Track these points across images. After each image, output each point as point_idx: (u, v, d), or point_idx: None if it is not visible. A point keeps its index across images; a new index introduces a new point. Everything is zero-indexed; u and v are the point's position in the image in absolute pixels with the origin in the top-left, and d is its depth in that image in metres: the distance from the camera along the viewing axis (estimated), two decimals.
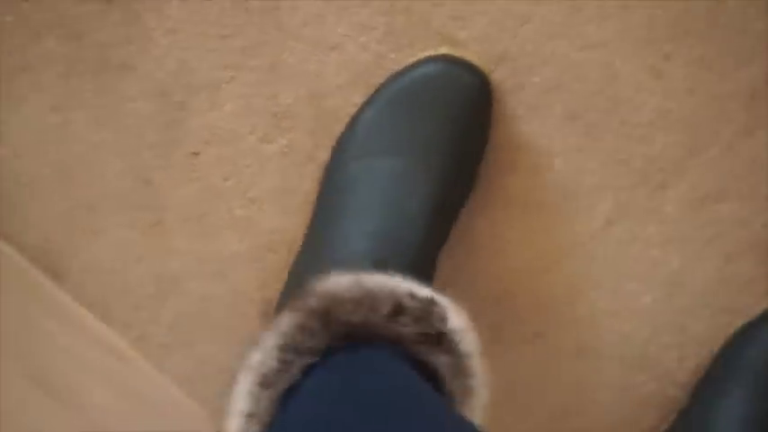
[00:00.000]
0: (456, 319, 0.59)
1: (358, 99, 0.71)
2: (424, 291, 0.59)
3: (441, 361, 0.59)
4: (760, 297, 0.75)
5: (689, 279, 0.74)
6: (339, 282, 0.60)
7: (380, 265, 0.62)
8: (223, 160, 0.76)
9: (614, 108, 0.70)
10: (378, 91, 0.70)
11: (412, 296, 0.59)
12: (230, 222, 0.78)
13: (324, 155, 0.73)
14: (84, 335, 0.83)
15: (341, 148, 0.70)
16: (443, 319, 0.59)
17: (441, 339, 0.59)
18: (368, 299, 0.59)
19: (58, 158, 0.76)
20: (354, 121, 0.70)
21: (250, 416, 0.59)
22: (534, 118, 0.71)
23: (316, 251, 0.69)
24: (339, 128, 0.72)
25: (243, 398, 0.59)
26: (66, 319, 0.83)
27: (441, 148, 0.68)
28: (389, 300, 0.59)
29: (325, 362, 0.58)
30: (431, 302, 0.59)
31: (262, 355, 0.59)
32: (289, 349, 0.59)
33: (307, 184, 0.74)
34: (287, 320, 0.60)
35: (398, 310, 0.59)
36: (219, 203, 0.77)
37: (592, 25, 0.68)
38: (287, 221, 0.75)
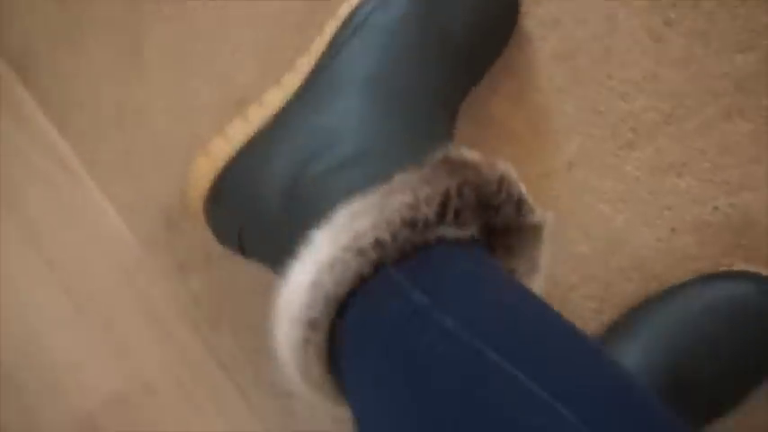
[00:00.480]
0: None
1: None
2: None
3: (511, 243, 0.59)
4: (693, 274, 0.78)
5: (629, 240, 0.78)
6: (475, 157, 0.58)
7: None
8: (214, 7, 0.77)
9: (605, 59, 0.72)
10: None
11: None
12: (207, 68, 0.80)
13: (316, 29, 0.74)
14: (37, 140, 0.85)
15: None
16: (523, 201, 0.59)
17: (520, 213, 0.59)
18: (505, 184, 0.57)
19: None
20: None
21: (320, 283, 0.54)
22: (526, 47, 0.73)
23: (310, 119, 0.68)
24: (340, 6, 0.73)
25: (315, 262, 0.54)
26: (23, 121, 0.85)
27: (467, 48, 0.70)
28: (516, 189, 0.58)
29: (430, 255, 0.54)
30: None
31: (372, 216, 0.54)
32: (419, 219, 0.54)
33: (291, 52, 0.75)
34: (418, 181, 0.55)
35: (521, 201, 0.58)
36: (201, 47, 0.79)
37: None
38: (262, 82, 0.77)
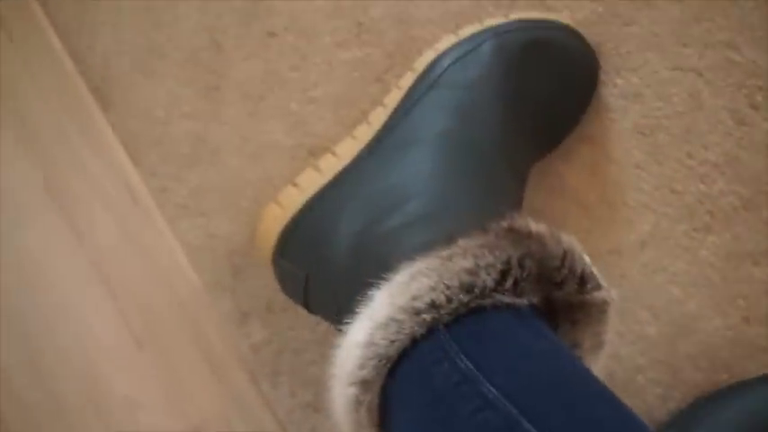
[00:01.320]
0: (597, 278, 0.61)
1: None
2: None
3: (576, 317, 0.61)
4: (762, 367, 0.78)
5: (700, 327, 0.78)
6: (540, 229, 0.60)
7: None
8: (296, 50, 0.81)
9: (686, 137, 0.73)
10: (491, 35, 0.73)
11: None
12: (284, 113, 0.83)
13: (393, 81, 0.77)
14: (110, 167, 0.89)
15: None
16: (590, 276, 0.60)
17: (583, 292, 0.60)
18: (569, 259, 0.59)
19: None
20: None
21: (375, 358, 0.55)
22: (605, 119, 0.74)
23: (381, 183, 0.71)
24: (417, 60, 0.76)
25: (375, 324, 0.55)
26: (99, 146, 0.89)
27: (543, 114, 0.73)
28: (580, 264, 0.59)
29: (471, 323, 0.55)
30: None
31: (431, 279, 0.56)
32: (477, 285, 0.55)
33: (366, 102, 0.78)
34: (480, 247, 0.57)
35: (585, 277, 0.60)
36: (279, 91, 0.82)
37: (692, 49, 0.71)
38: (336, 131, 0.80)
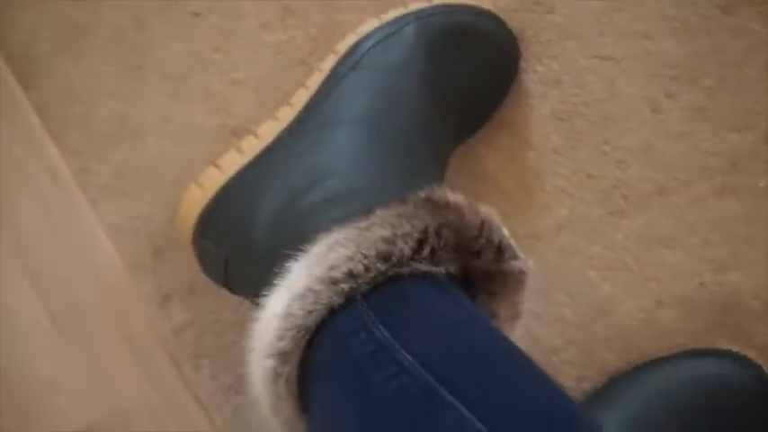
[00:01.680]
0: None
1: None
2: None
3: (494, 288, 0.63)
4: (674, 348, 0.82)
5: (614, 309, 0.81)
6: (458, 199, 0.61)
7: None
8: (220, 31, 0.82)
9: (603, 124, 0.76)
10: (413, 19, 0.75)
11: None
12: (207, 94, 0.84)
13: (315, 64, 0.78)
14: (30, 147, 0.89)
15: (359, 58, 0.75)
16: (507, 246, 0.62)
17: (501, 260, 0.62)
18: (486, 229, 0.61)
19: None
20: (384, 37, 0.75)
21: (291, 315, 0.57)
22: (525, 105, 0.77)
23: (303, 157, 0.72)
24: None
25: (291, 293, 0.57)
26: (19, 126, 0.89)
27: (464, 99, 0.75)
28: (498, 234, 0.61)
29: (390, 291, 0.57)
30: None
31: (349, 248, 0.57)
32: (394, 254, 0.57)
33: (290, 85, 0.80)
34: (398, 217, 0.58)
35: (502, 247, 0.62)
36: (202, 72, 0.83)
37: (610, 38, 0.74)
38: (258, 113, 0.82)
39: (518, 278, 0.64)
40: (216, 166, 0.74)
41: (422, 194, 0.61)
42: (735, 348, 0.78)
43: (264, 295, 0.60)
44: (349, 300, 0.57)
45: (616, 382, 0.81)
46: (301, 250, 0.59)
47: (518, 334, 0.65)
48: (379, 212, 0.60)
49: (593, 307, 0.81)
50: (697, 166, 0.76)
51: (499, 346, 0.56)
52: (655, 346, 0.81)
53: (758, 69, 0.74)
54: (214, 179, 0.74)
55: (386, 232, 0.58)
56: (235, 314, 0.85)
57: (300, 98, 0.74)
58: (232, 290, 0.75)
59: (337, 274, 0.57)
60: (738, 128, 0.75)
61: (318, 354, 0.58)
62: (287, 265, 0.59)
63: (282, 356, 0.58)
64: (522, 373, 0.54)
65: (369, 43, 0.73)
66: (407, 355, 0.52)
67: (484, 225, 0.61)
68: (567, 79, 0.76)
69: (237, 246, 0.71)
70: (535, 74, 0.76)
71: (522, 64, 0.76)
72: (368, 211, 0.60)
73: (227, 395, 0.85)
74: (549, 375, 0.55)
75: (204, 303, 0.86)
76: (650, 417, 0.77)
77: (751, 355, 0.77)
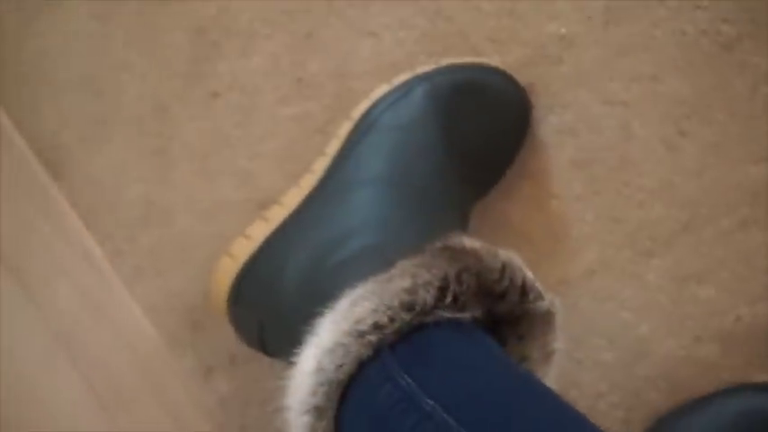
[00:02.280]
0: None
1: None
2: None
3: (522, 330, 0.64)
4: (718, 383, 0.83)
5: (654, 349, 0.83)
6: (475, 245, 0.63)
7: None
8: (239, 109, 0.87)
9: (621, 167, 0.79)
10: (422, 80, 0.78)
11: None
12: (231, 170, 0.88)
13: (333, 132, 0.82)
14: (64, 235, 0.94)
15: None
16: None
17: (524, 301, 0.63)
18: (508, 271, 0.62)
19: (86, 66, 0.87)
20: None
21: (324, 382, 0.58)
22: (543, 155, 0.80)
23: (325, 223, 0.75)
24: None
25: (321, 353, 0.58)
26: (52, 215, 0.94)
27: (479, 153, 0.78)
28: (520, 275, 0.63)
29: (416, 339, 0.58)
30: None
31: (372, 302, 0.58)
32: (417, 303, 0.58)
33: (310, 154, 0.84)
34: (417, 267, 0.60)
35: (526, 288, 0.63)
36: (225, 149, 0.87)
37: (619, 83, 0.77)
38: (283, 184, 0.85)
39: (545, 319, 0.65)
40: (245, 236, 0.78)
41: (438, 244, 0.63)
42: None
43: (297, 354, 0.62)
44: (376, 352, 0.59)
45: (663, 423, 0.82)
46: (328, 308, 0.62)
47: (555, 376, 0.67)
48: (399, 265, 0.62)
49: (632, 349, 0.83)
50: (719, 201, 0.78)
51: (525, 387, 0.58)
52: (698, 383, 0.83)
53: (766, 101, 0.76)
54: (243, 248, 0.78)
55: (406, 283, 0.60)
56: (279, 380, 0.88)
57: (321, 165, 0.78)
58: (269, 353, 0.78)
59: (363, 327, 0.59)
60: (755, 160, 0.77)
61: (350, 409, 0.60)
62: (316, 323, 0.62)
63: (317, 411, 0.60)
64: (549, 412, 0.55)
65: (380, 107, 0.77)
66: (430, 401, 0.54)
67: (505, 268, 0.62)
68: (581, 127, 0.79)
69: (269, 308, 0.75)
70: (549, 124, 0.80)
71: (536, 115, 0.79)
72: (389, 264, 0.62)
73: None
74: (583, 416, 0.56)
75: (247, 373, 0.89)
76: None
77: None
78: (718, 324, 0.81)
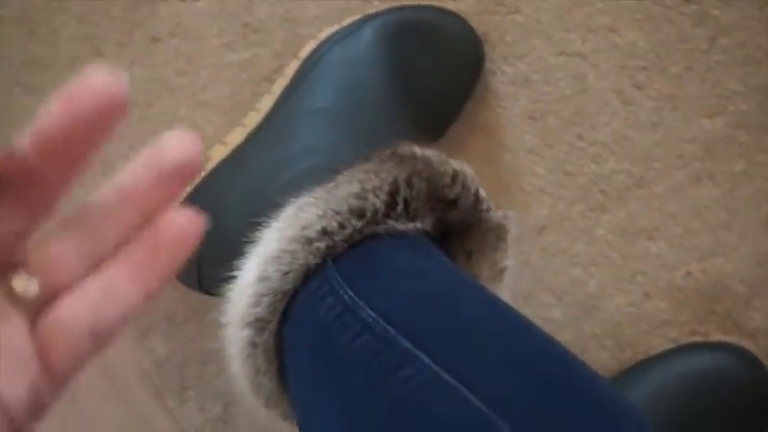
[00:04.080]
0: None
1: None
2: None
3: (472, 245, 0.64)
4: (666, 341, 0.86)
5: (602, 305, 0.86)
6: (425, 151, 0.62)
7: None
8: (181, 55, 0.86)
9: (576, 120, 0.81)
10: (372, 18, 0.79)
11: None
12: (173, 119, 0.88)
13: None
14: None
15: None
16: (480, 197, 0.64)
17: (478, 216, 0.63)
18: (460, 177, 0.62)
19: (21, 5, 0.86)
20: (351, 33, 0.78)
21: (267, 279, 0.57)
22: (496, 106, 0.82)
23: (271, 143, 0.75)
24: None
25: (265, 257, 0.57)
26: None
27: (428, 95, 0.79)
28: (473, 184, 0.62)
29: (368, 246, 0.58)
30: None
31: (319, 207, 0.57)
32: (367, 209, 0.57)
33: (256, 103, 0.84)
34: (365, 172, 0.59)
35: (479, 197, 0.63)
36: (167, 97, 0.87)
37: (575, 34, 0.79)
38: (227, 134, 0.86)
39: (497, 233, 0.65)
40: None
41: (387, 151, 0.62)
42: (727, 338, 0.82)
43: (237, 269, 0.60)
44: (323, 261, 0.58)
45: (612, 383, 0.84)
46: (272, 219, 0.60)
47: (507, 298, 0.65)
48: (346, 172, 0.61)
49: (581, 305, 0.86)
50: (672, 155, 0.81)
51: (472, 294, 0.58)
52: (647, 341, 0.86)
53: (723, 54, 0.79)
54: None
55: (355, 188, 0.59)
56: (217, 342, 0.89)
57: (266, 103, 0.78)
58: (206, 290, 0.78)
59: (311, 233, 0.58)
60: (710, 114, 0.80)
61: (291, 325, 0.59)
62: (258, 234, 0.60)
63: (259, 323, 0.59)
64: (498, 319, 0.55)
65: (329, 44, 0.77)
66: (371, 312, 0.54)
67: (457, 174, 0.62)
68: (536, 78, 0.80)
69: (208, 242, 0.75)
70: (503, 75, 0.81)
71: (490, 65, 0.81)
72: (334, 173, 0.61)
73: (216, 426, 0.88)
74: (534, 324, 0.56)
75: (185, 332, 0.89)
76: (649, 417, 0.81)
77: (743, 341, 0.81)
78: (667, 280, 0.84)
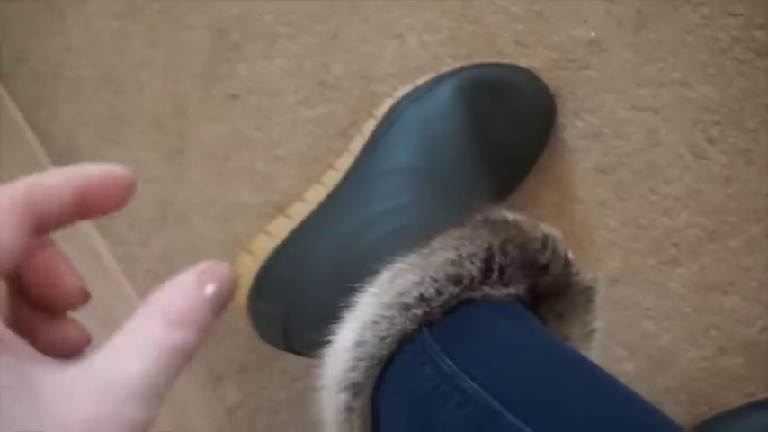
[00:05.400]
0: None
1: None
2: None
3: (562, 307, 0.65)
4: (743, 396, 0.86)
5: (676, 360, 0.87)
6: (516, 216, 0.63)
7: None
8: (259, 111, 0.90)
9: (647, 173, 0.83)
10: (448, 77, 0.81)
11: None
12: (249, 172, 0.91)
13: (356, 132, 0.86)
14: (75, 238, 0.96)
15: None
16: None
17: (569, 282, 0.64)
18: (551, 241, 0.63)
19: (105, 64, 0.90)
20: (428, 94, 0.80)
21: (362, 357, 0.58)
22: (568, 160, 0.84)
23: (348, 211, 0.77)
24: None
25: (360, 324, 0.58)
26: None
27: (503, 151, 0.81)
28: (562, 248, 0.63)
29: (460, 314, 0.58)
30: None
31: (416, 274, 0.58)
32: (463, 276, 0.58)
33: (331, 158, 0.87)
34: (459, 239, 0.59)
35: (568, 261, 0.64)
36: (244, 151, 0.91)
37: (647, 89, 0.80)
38: (302, 188, 0.88)
39: (586, 296, 0.66)
40: (265, 232, 0.81)
41: (478, 216, 0.64)
42: None
43: (328, 340, 0.61)
44: (419, 328, 0.59)
45: None
46: (366, 283, 0.61)
47: (596, 357, 0.67)
48: (439, 238, 0.62)
49: (654, 359, 0.86)
50: (747, 209, 0.82)
51: (570, 363, 0.58)
52: (722, 395, 0.86)
53: None
54: (264, 244, 0.80)
55: (451, 255, 0.60)
56: (288, 391, 0.91)
57: (344, 162, 0.81)
58: (292, 349, 0.80)
59: (408, 299, 0.59)
60: None
61: (387, 391, 0.60)
62: (352, 299, 0.61)
63: (355, 388, 0.60)
64: (596, 388, 0.56)
65: (405, 102, 0.79)
66: (471, 383, 0.55)
67: (547, 238, 0.63)
68: (607, 132, 0.82)
69: (293, 300, 0.76)
70: (575, 129, 0.83)
71: (562, 120, 0.83)
72: (427, 238, 0.62)
73: None
74: (633, 391, 0.57)
75: (256, 381, 0.91)
76: None
77: None
78: (742, 334, 0.84)
